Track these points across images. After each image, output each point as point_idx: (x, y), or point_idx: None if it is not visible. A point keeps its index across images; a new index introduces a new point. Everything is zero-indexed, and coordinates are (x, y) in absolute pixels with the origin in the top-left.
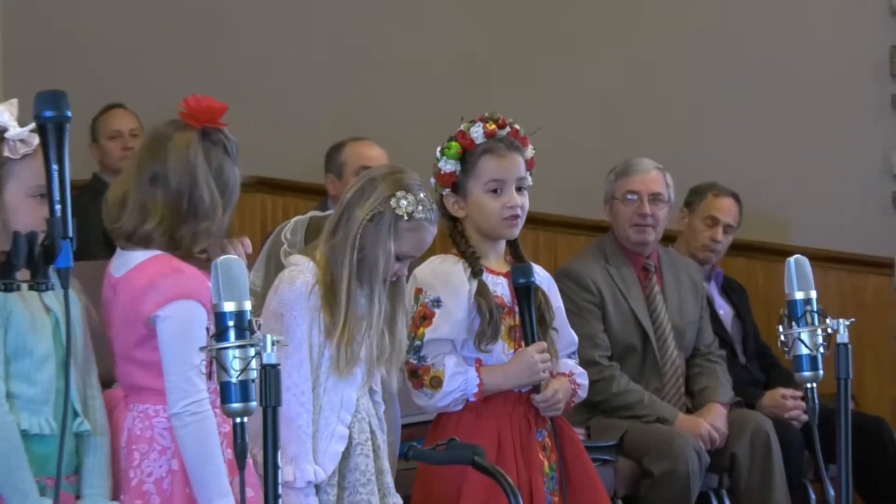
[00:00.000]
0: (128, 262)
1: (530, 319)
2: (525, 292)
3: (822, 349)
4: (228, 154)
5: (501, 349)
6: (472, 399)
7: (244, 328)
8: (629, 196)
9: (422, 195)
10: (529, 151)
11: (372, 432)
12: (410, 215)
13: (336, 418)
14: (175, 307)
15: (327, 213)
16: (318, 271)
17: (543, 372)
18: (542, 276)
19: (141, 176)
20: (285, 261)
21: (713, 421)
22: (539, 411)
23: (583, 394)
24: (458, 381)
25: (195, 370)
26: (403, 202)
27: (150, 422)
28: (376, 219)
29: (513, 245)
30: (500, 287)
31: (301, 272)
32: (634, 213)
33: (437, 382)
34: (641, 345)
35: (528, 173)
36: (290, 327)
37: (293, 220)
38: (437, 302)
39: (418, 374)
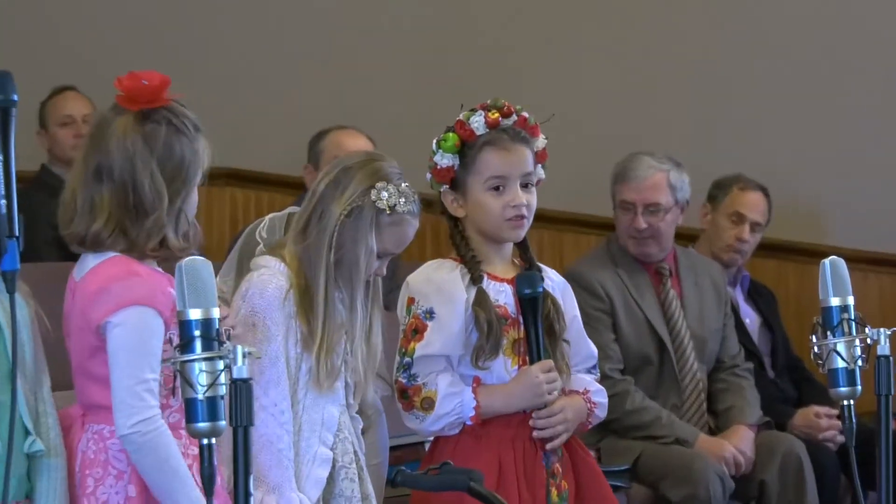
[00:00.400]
0: (85, 265)
1: (536, 335)
2: (531, 305)
3: (860, 362)
4: (180, 130)
5: (503, 366)
6: (468, 423)
7: (212, 338)
8: (624, 206)
9: (403, 185)
10: (540, 142)
11: (355, 453)
12: (392, 209)
13: (317, 439)
14: (127, 314)
15: None
16: (290, 274)
17: (550, 394)
18: (555, 282)
19: (86, 171)
20: (253, 262)
21: (739, 444)
22: (539, 433)
23: (601, 413)
24: (452, 403)
25: (144, 385)
26: (384, 194)
27: (104, 443)
28: (354, 214)
29: (522, 247)
30: (503, 295)
31: (273, 276)
32: (629, 224)
33: (428, 404)
34: (658, 356)
35: (538, 167)
36: (265, 339)
37: (269, 216)
38: (430, 313)
39: (408, 395)
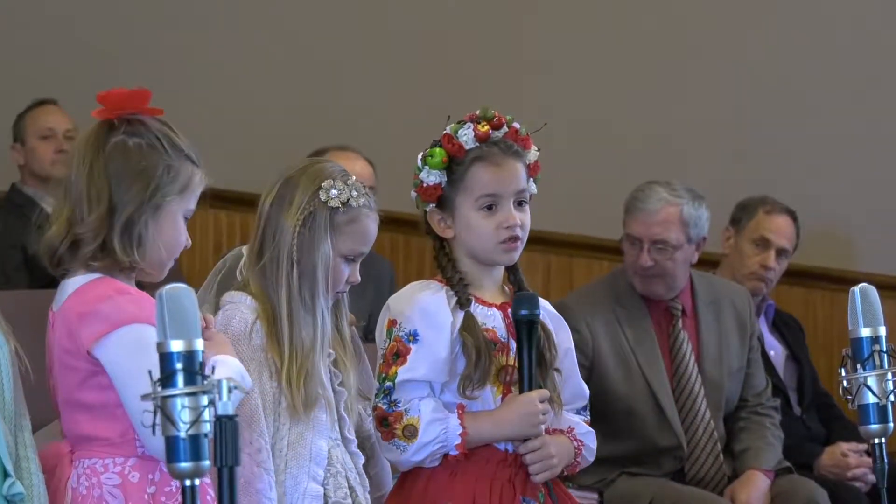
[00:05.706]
0: (64, 292)
1: (529, 360)
2: (527, 327)
3: (892, 397)
4: (150, 144)
5: (490, 394)
6: (453, 452)
7: (195, 372)
8: (630, 240)
9: (351, 180)
10: (532, 154)
11: (351, 489)
12: (346, 203)
13: (306, 475)
14: (122, 333)
15: None
16: (256, 304)
17: (542, 425)
18: (548, 311)
19: (62, 191)
20: (221, 300)
21: (749, 498)
22: (529, 472)
23: (590, 456)
24: (437, 429)
25: None
26: (334, 192)
27: (97, 479)
28: (308, 222)
29: (512, 270)
30: (491, 319)
31: (237, 309)
32: (635, 260)
33: (410, 432)
34: (651, 406)
35: (530, 181)
36: None
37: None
38: (414, 336)
39: (388, 423)
